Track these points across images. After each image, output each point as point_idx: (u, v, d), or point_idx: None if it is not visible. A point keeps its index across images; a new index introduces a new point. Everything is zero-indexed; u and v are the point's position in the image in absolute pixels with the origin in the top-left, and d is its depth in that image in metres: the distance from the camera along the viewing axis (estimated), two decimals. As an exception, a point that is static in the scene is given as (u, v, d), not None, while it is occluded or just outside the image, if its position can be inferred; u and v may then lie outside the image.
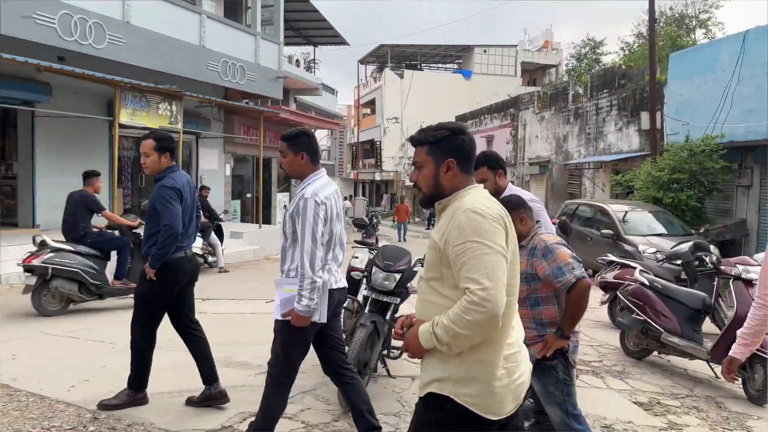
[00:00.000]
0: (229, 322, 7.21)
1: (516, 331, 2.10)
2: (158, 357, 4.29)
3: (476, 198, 2.04)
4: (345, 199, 34.72)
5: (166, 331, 4.29)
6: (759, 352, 4.62)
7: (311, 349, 3.56)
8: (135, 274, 7.42)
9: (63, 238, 7.60)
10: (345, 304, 5.15)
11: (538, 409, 3.80)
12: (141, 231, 8.81)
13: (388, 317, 4.72)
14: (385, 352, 4.95)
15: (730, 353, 3.02)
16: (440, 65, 51.98)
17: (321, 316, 3.34)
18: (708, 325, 6.25)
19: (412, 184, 2.25)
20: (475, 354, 1.94)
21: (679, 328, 5.72)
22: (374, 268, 4.84)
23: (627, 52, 33.84)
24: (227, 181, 18.23)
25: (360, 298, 5.19)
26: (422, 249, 3.59)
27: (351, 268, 5.69)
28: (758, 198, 13.32)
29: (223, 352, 5.54)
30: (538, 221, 3.35)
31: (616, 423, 4.44)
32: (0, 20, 9.80)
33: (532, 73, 48.14)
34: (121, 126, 11.39)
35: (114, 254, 7.85)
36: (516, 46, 47.68)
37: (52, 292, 7.15)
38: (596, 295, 7.88)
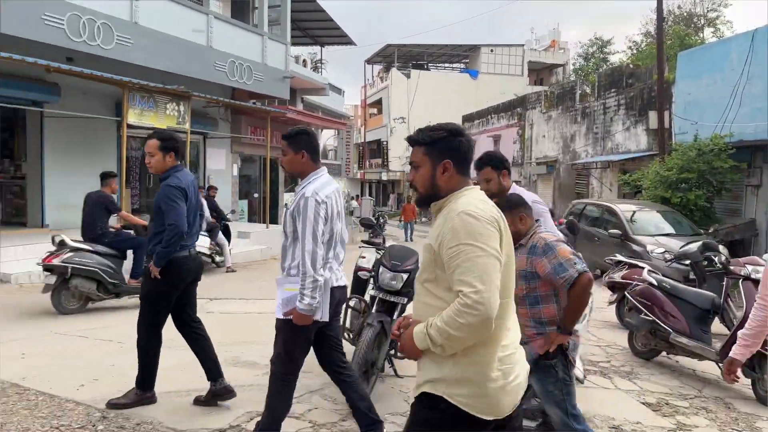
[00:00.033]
0: (236, 321, 7.23)
1: (512, 333, 2.09)
2: (166, 356, 4.30)
3: (471, 200, 2.05)
4: (352, 199, 34.77)
5: (171, 330, 4.31)
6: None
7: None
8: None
9: (78, 237, 7.69)
10: (352, 304, 5.18)
11: (544, 410, 3.79)
12: None
13: (395, 317, 4.72)
14: (393, 351, 4.95)
15: (731, 354, 3.00)
16: (447, 65, 51.94)
17: (323, 315, 3.35)
18: (717, 326, 6.22)
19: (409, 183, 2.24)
20: (469, 355, 1.95)
21: (688, 328, 5.69)
22: (381, 268, 4.85)
23: (635, 51, 33.68)
24: (234, 181, 18.28)
25: (367, 297, 5.19)
26: (430, 249, 3.57)
27: (358, 268, 5.69)
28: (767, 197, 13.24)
29: (230, 352, 5.56)
30: (537, 220, 3.34)
31: (624, 424, 4.42)
32: (9, 21, 9.87)
33: (539, 72, 48.03)
34: (129, 126, 11.44)
35: (130, 253, 7.94)
36: (523, 45, 47.58)
37: (71, 291, 7.27)
38: (604, 296, 7.86)
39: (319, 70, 30.04)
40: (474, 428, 1.96)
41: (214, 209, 12.01)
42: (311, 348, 3.55)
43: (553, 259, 3.07)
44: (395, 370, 5.11)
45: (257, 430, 3.48)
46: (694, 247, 7.83)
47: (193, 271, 4.29)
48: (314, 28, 25.52)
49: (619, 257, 8.19)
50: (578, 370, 4.11)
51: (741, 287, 5.43)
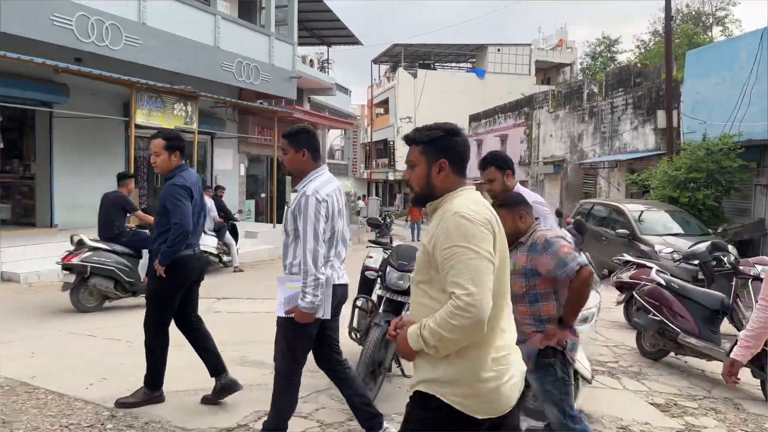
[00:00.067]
0: (243, 321, 7.25)
1: (507, 334, 2.09)
2: (174, 356, 4.32)
3: (465, 201, 2.04)
4: (359, 199, 34.76)
5: (179, 330, 4.33)
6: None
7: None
8: None
9: (92, 236, 7.80)
10: (360, 304, 5.18)
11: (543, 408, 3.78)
12: None
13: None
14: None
15: (732, 356, 2.97)
16: (454, 64, 51.87)
17: (325, 312, 3.36)
18: (726, 326, 6.18)
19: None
20: (462, 356, 1.96)
21: (697, 328, 5.66)
22: (389, 268, 4.85)
23: (643, 50, 33.55)
24: (242, 181, 18.34)
25: (374, 297, 5.19)
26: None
27: (365, 268, 5.69)
28: (777, 197, 13.15)
29: (238, 351, 5.57)
30: (537, 218, 3.33)
31: (632, 424, 4.40)
32: (18, 21, 9.93)
33: (546, 71, 47.89)
34: (137, 126, 11.50)
35: (146, 252, 8.00)
36: (530, 44, 47.46)
37: (89, 290, 7.42)
38: (612, 296, 7.83)
39: (326, 70, 30.06)
40: (467, 427, 1.98)
41: (222, 209, 12.05)
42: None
43: (553, 255, 3.07)
44: (402, 370, 5.11)
45: (264, 430, 3.49)
46: (702, 246, 7.78)
47: (197, 270, 4.32)
48: (321, 29, 25.54)
49: (627, 257, 8.15)
50: (586, 371, 4.09)
51: (750, 287, 5.41)
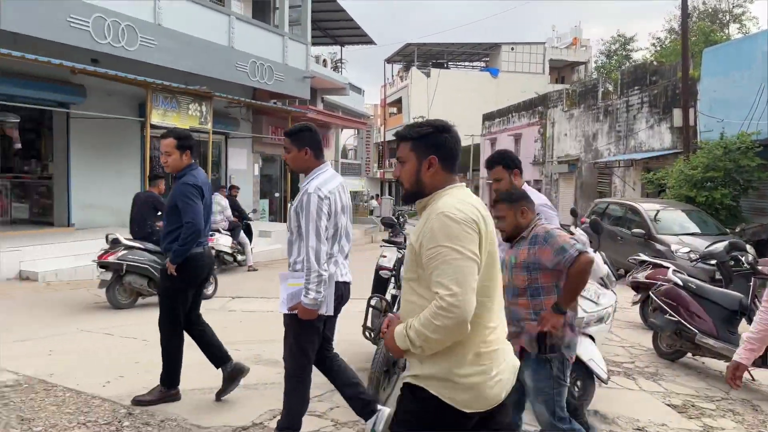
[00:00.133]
0: (258, 320, 7.28)
1: (497, 330, 2.10)
2: (190, 354, 4.35)
3: (451, 201, 2.04)
4: (372, 198, 34.79)
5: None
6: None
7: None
8: None
9: (120, 235, 7.93)
10: (374, 303, 5.18)
11: (569, 411, 3.75)
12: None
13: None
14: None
15: (736, 358, 2.92)
16: (467, 63, 51.73)
17: (328, 309, 3.37)
18: (744, 327, 6.10)
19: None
20: (447, 353, 1.98)
21: (715, 329, 5.59)
22: (402, 267, 4.84)
23: (658, 48, 33.25)
24: (256, 181, 18.42)
25: (388, 296, 5.19)
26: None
27: (379, 267, 5.69)
28: (796, 196, 12.98)
29: (252, 350, 5.60)
30: (538, 214, 3.31)
31: (649, 425, 4.36)
32: (35, 23, 10.05)
33: (560, 70, 47.62)
34: (153, 126, 11.59)
35: None
36: (544, 43, 47.24)
37: (124, 287, 7.61)
38: (627, 296, 7.76)
39: (340, 69, 30.12)
40: (455, 420, 2.00)
41: (236, 208, 12.11)
42: None
43: (554, 244, 3.07)
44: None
45: (278, 429, 3.50)
46: (720, 246, 7.69)
47: (207, 267, 4.36)
48: (334, 28, 25.58)
49: (643, 257, 8.07)
50: (601, 371, 4.06)
51: (769, 287, 5.32)
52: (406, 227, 8.23)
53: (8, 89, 10.27)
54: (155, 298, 7.83)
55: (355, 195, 30.01)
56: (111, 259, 7.45)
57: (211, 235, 9.33)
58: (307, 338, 3.43)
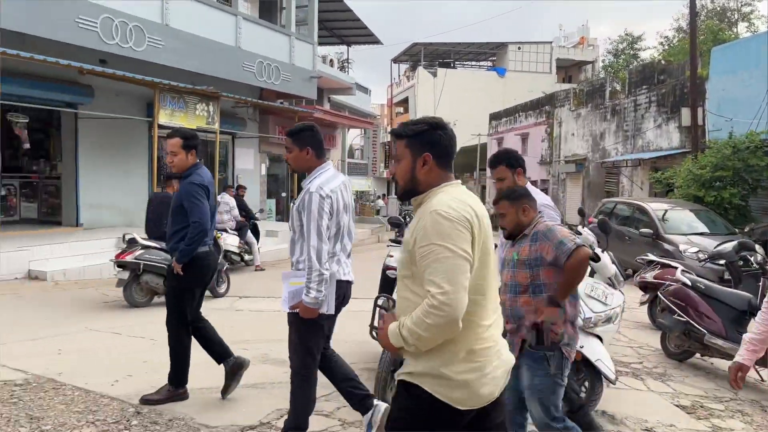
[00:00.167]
0: (265, 319, 7.30)
1: (493, 328, 2.10)
2: (197, 354, 4.36)
3: (445, 198, 2.04)
4: (378, 198, 34.79)
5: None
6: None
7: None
8: None
9: (137, 235, 8.02)
10: (381, 303, 5.18)
11: (569, 409, 3.73)
12: (216, 227, 9.28)
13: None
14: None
15: (739, 359, 2.89)
16: (474, 63, 51.63)
17: (329, 308, 3.38)
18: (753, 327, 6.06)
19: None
20: (439, 350, 1.98)
21: (724, 329, 5.56)
22: (397, 264, 4.83)
23: (666, 47, 33.10)
24: (263, 181, 18.45)
25: (395, 296, 5.17)
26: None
27: (386, 267, 5.68)
28: (805, 196, 12.88)
29: (259, 349, 5.61)
30: (540, 212, 3.30)
31: (657, 426, 4.34)
32: (44, 24, 10.11)
33: (567, 69, 47.46)
34: (160, 126, 11.63)
35: None
36: (551, 42, 47.09)
37: (141, 286, 7.70)
38: (635, 296, 7.73)
39: (346, 69, 30.12)
40: (449, 416, 2.01)
41: (243, 208, 12.13)
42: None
43: (554, 239, 3.07)
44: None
45: (285, 429, 3.51)
46: (729, 246, 7.65)
47: (213, 266, 4.39)
48: (341, 28, 25.59)
49: (651, 257, 8.04)
50: (609, 371, 4.05)
51: (778, 287, 5.29)
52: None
53: (17, 90, 10.33)
54: (154, 299, 7.89)
55: (361, 195, 30.04)
56: (128, 258, 7.58)
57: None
58: (311, 337, 3.44)
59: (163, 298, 7.78)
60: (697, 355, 6.00)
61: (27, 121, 11.54)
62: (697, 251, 9.27)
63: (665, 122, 17.84)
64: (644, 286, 7.41)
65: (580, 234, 4.89)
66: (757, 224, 12.55)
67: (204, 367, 4.48)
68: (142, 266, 7.53)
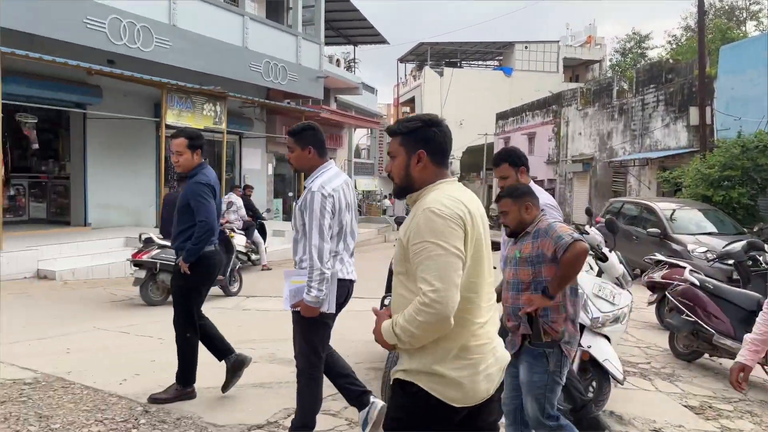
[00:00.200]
0: (272, 318, 7.31)
1: (488, 326, 2.11)
2: (205, 353, 4.37)
3: (439, 196, 2.04)
4: (385, 197, 34.78)
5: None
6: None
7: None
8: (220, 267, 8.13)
9: (153, 235, 8.12)
10: (387, 303, 5.18)
11: (572, 408, 3.72)
12: (226, 228, 9.27)
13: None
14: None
15: (741, 360, 2.86)
16: (480, 62, 51.54)
17: (330, 307, 3.38)
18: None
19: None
20: (432, 348, 1.99)
21: (732, 330, 5.53)
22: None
23: (674, 46, 32.95)
24: (269, 180, 18.50)
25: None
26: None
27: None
28: (815, 195, 12.80)
29: (266, 349, 5.63)
30: (542, 210, 3.29)
31: (665, 427, 4.32)
32: (53, 25, 10.17)
33: (574, 69, 47.30)
34: (168, 126, 11.68)
35: None
36: (558, 41, 46.92)
37: (157, 285, 7.80)
38: (643, 296, 7.70)
39: (353, 69, 30.14)
40: (444, 414, 2.02)
41: (250, 208, 12.16)
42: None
43: (554, 234, 3.07)
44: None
45: (292, 429, 3.52)
46: (738, 246, 7.61)
47: (219, 265, 4.41)
48: (348, 28, 25.60)
49: (659, 256, 8.00)
50: (617, 372, 4.03)
51: (788, 288, 5.25)
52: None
53: (26, 90, 10.40)
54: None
55: (368, 194, 30.02)
56: (145, 258, 7.68)
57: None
58: (316, 336, 3.45)
59: (124, 300, 7.85)
60: (706, 355, 5.96)
61: (36, 121, 11.62)
62: (706, 251, 9.22)
63: (673, 121, 17.76)
64: (652, 286, 7.38)
65: (587, 234, 4.87)
66: (766, 224, 12.46)
67: (211, 367, 4.49)
68: (158, 265, 7.63)
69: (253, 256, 11.57)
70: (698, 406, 4.81)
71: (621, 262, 4.76)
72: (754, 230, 11.42)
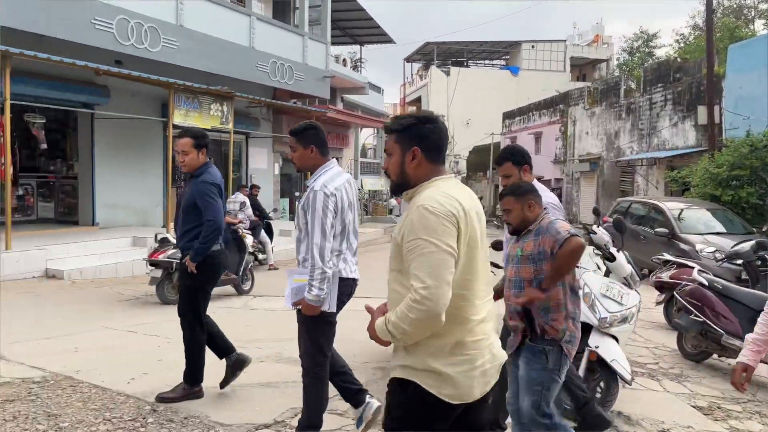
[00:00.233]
0: (279, 318, 7.32)
1: (485, 324, 2.11)
2: (211, 352, 4.38)
3: (433, 193, 2.04)
4: (391, 197, 34.75)
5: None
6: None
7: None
8: (233, 266, 8.49)
9: (169, 235, 8.23)
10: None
11: (580, 406, 3.71)
12: (239, 227, 9.36)
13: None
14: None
15: (744, 360, 2.84)
16: (487, 62, 51.46)
17: (330, 305, 3.39)
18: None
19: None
20: (432, 343, 2.00)
21: (741, 330, 5.48)
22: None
23: (682, 45, 32.78)
24: (276, 180, 18.53)
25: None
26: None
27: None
28: (825, 195, 12.70)
29: (273, 348, 5.64)
30: (545, 208, 3.28)
31: (674, 427, 4.30)
32: (61, 25, 10.22)
33: (581, 68, 47.16)
34: (175, 126, 11.71)
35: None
36: (565, 40, 46.79)
37: (173, 284, 7.84)
38: (651, 296, 7.66)
39: (359, 69, 30.15)
40: (441, 411, 2.03)
41: (257, 208, 12.18)
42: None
43: (554, 231, 3.07)
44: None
45: (299, 428, 3.52)
46: (746, 246, 7.56)
47: (224, 264, 4.44)
48: (354, 28, 25.62)
49: (667, 256, 7.96)
50: (625, 372, 4.02)
51: (798, 288, 5.21)
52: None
53: (34, 90, 10.46)
54: (154, 298, 7.97)
55: (374, 194, 30.00)
56: (161, 257, 7.73)
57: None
58: (321, 335, 3.46)
59: (151, 300, 7.88)
60: (714, 355, 5.93)
61: (44, 121, 11.68)
62: (714, 251, 9.17)
63: (681, 120, 17.67)
64: (660, 286, 7.34)
65: (595, 233, 4.85)
66: (775, 223, 12.40)
67: (219, 366, 4.50)
68: (174, 265, 7.64)
69: (260, 256, 11.58)
70: (707, 406, 4.79)
71: (629, 262, 4.74)
72: (763, 230, 11.38)
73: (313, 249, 3.29)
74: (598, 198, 22.39)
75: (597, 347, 4.07)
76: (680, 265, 7.31)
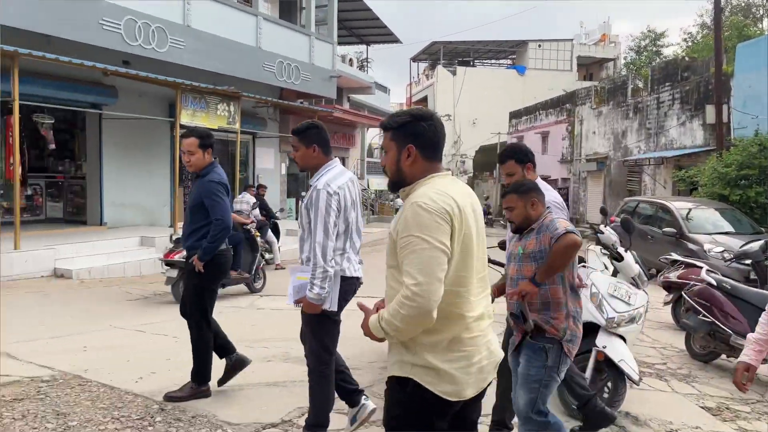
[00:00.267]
0: (286, 317, 7.33)
1: (481, 321, 2.12)
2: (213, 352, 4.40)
3: (427, 190, 2.05)
4: (397, 196, 34.73)
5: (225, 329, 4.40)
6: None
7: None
8: (245, 265, 8.75)
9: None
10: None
11: (582, 404, 3.70)
12: (251, 227, 9.38)
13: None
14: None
15: (746, 359, 2.82)
16: (493, 61, 51.36)
17: (332, 304, 3.40)
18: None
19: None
20: (429, 337, 2.01)
21: (750, 330, 5.45)
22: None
23: (690, 44, 32.62)
24: (283, 180, 18.56)
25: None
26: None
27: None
28: (834, 194, 12.60)
29: (280, 348, 5.65)
30: (548, 207, 3.27)
31: (682, 428, 4.28)
32: (69, 26, 10.28)
33: (588, 67, 46.99)
34: (182, 127, 11.73)
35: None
36: (572, 40, 46.63)
37: None
38: (659, 296, 7.63)
39: (365, 68, 30.18)
40: (440, 408, 2.04)
41: (264, 207, 12.20)
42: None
43: (554, 228, 3.08)
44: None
45: (306, 427, 3.53)
46: (755, 246, 7.52)
47: (230, 263, 4.45)
48: (360, 27, 25.63)
49: (675, 256, 7.93)
50: (633, 372, 4.01)
51: (807, 288, 5.18)
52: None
53: (43, 91, 10.52)
54: (168, 297, 7.99)
55: (380, 193, 30.01)
56: (176, 257, 7.71)
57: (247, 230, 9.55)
58: (326, 334, 3.47)
59: (159, 299, 7.90)
60: (723, 356, 5.90)
61: (52, 121, 11.75)
62: (723, 251, 9.13)
63: (689, 120, 17.59)
64: (668, 286, 7.31)
65: (602, 233, 4.83)
66: (784, 223, 12.32)
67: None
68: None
69: (267, 256, 11.60)
70: (715, 407, 4.76)
71: (636, 262, 4.72)
72: (772, 229, 11.29)
73: (316, 248, 3.31)
74: (605, 198, 22.31)
75: (605, 347, 4.06)
76: (688, 265, 7.27)
